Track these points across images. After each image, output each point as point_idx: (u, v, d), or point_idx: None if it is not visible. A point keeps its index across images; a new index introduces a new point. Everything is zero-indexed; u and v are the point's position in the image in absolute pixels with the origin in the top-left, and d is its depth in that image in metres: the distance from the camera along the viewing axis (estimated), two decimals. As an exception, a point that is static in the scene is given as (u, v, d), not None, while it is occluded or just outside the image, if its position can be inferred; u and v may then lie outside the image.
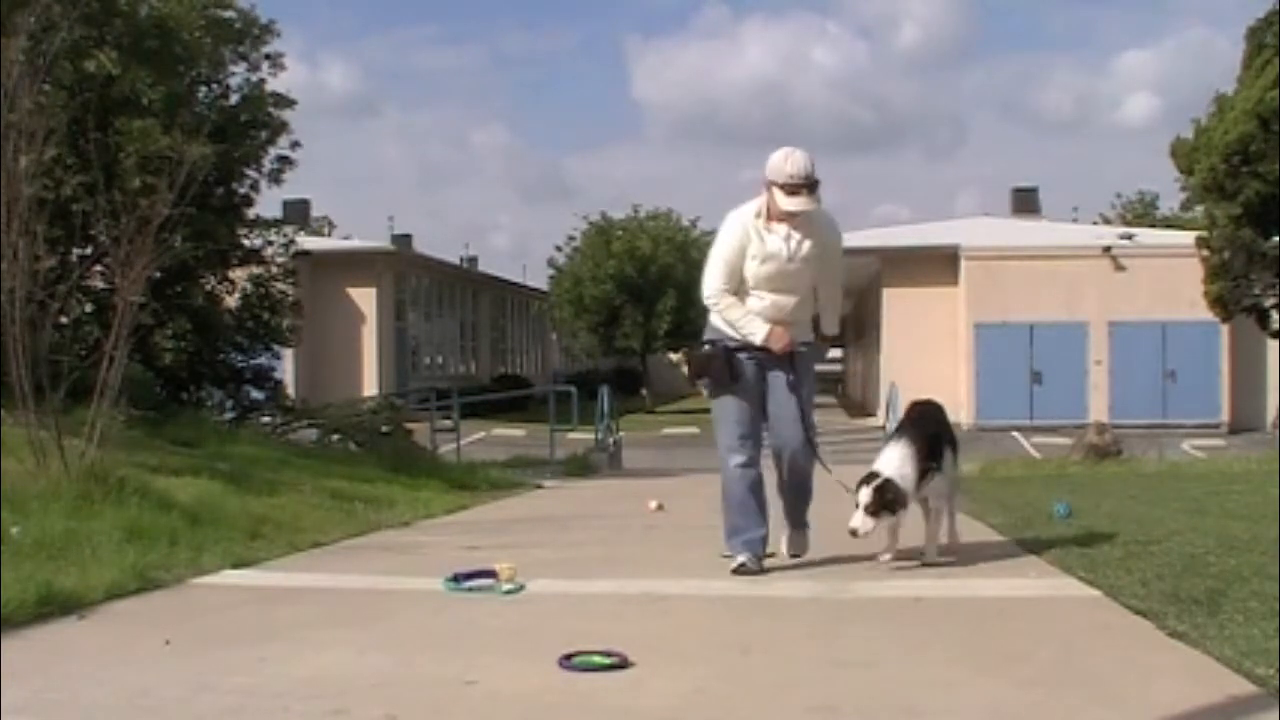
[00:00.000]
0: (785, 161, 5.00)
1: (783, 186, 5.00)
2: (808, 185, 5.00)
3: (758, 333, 5.14)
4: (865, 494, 4.97)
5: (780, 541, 5.42)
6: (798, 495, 5.37)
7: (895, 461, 5.09)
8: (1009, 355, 27.37)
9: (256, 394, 15.98)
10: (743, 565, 5.09)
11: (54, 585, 4.41)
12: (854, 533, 4.96)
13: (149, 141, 11.83)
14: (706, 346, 5.30)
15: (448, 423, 19.23)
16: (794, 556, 5.40)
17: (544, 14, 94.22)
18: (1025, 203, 38.73)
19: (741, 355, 5.20)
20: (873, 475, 5.03)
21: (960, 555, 5.41)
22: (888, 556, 5.22)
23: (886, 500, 4.97)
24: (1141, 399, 27.01)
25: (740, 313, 5.16)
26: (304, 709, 3.09)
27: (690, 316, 38.66)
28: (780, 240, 5.12)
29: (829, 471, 5.32)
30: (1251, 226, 19.92)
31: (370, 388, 27.78)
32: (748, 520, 5.21)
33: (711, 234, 5.83)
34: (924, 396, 5.69)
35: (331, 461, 11.73)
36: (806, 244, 5.13)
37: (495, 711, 3.12)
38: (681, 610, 4.46)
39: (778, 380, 5.22)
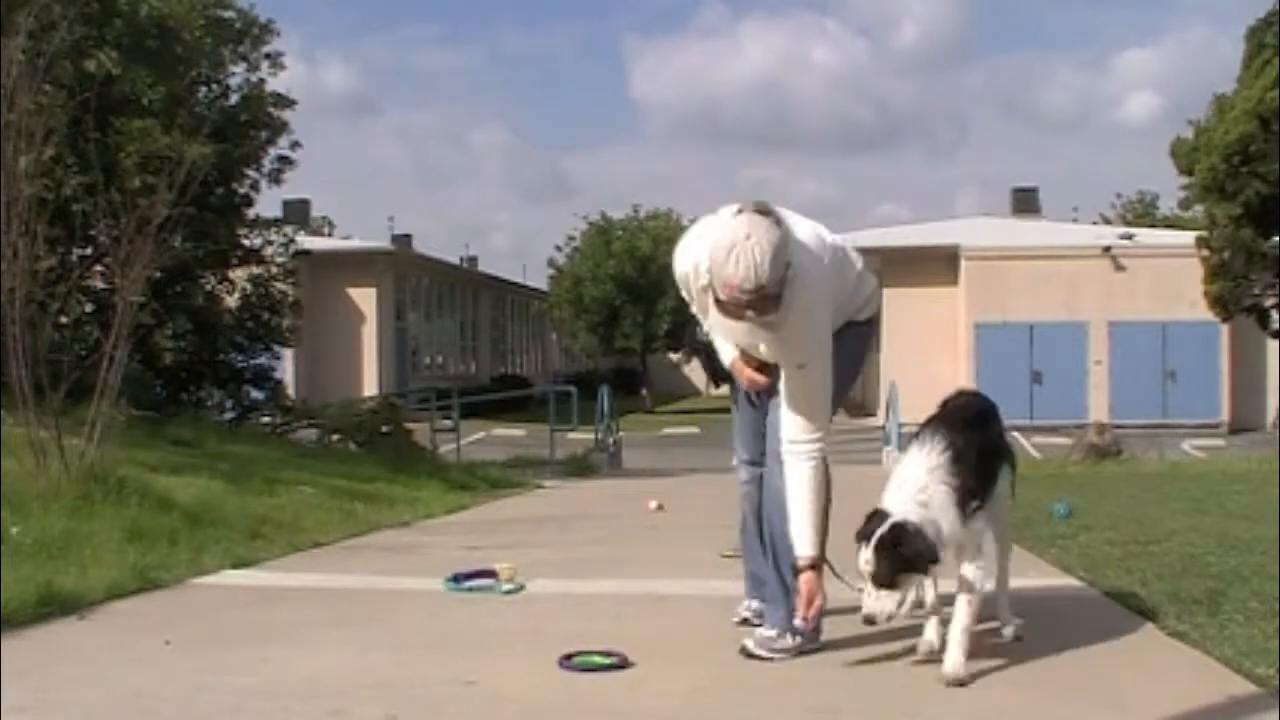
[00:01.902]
0: (728, 259, 3.22)
1: (719, 303, 3.33)
2: (757, 301, 3.26)
3: (725, 357, 3.84)
4: (865, 555, 3.26)
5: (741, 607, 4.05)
6: (772, 541, 3.73)
7: (913, 481, 3.32)
8: (1009, 355, 27.38)
9: (256, 394, 15.98)
10: (744, 620, 3.98)
11: (54, 585, 4.41)
12: (869, 620, 3.30)
13: (149, 141, 11.83)
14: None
15: (448, 423, 19.21)
16: (756, 654, 3.57)
17: (543, 14, 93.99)
18: (1025, 203, 38.71)
19: None
20: (876, 515, 3.30)
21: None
22: (927, 646, 3.51)
23: (902, 558, 3.23)
24: (1141, 399, 27.01)
25: (708, 324, 3.72)
26: (304, 709, 3.09)
27: (690, 316, 38.56)
28: (728, 325, 3.48)
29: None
30: (1251, 226, 19.95)
31: (370, 388, 27.75)
32: (754, 557, 3.98)
33: None
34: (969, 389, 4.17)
35: (331, 461, 11.73)
36: (765, 339, 3.53)
37: (495, 711, 3.12)
38: (681, 610, 4.46)
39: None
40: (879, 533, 3.23)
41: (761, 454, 3.83)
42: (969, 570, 3.35)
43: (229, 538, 6.12)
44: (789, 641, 3.60)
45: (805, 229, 3.57)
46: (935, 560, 3.25)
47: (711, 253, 3.30)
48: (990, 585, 3.55)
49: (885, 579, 3.23)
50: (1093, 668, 3.43)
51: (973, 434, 3.48)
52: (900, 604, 3.28)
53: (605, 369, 42.50)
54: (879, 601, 3.25)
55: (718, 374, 3.97)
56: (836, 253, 3.66)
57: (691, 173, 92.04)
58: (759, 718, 3.07)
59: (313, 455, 12.44)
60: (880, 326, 4.43)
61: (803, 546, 3.51)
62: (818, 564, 3.50)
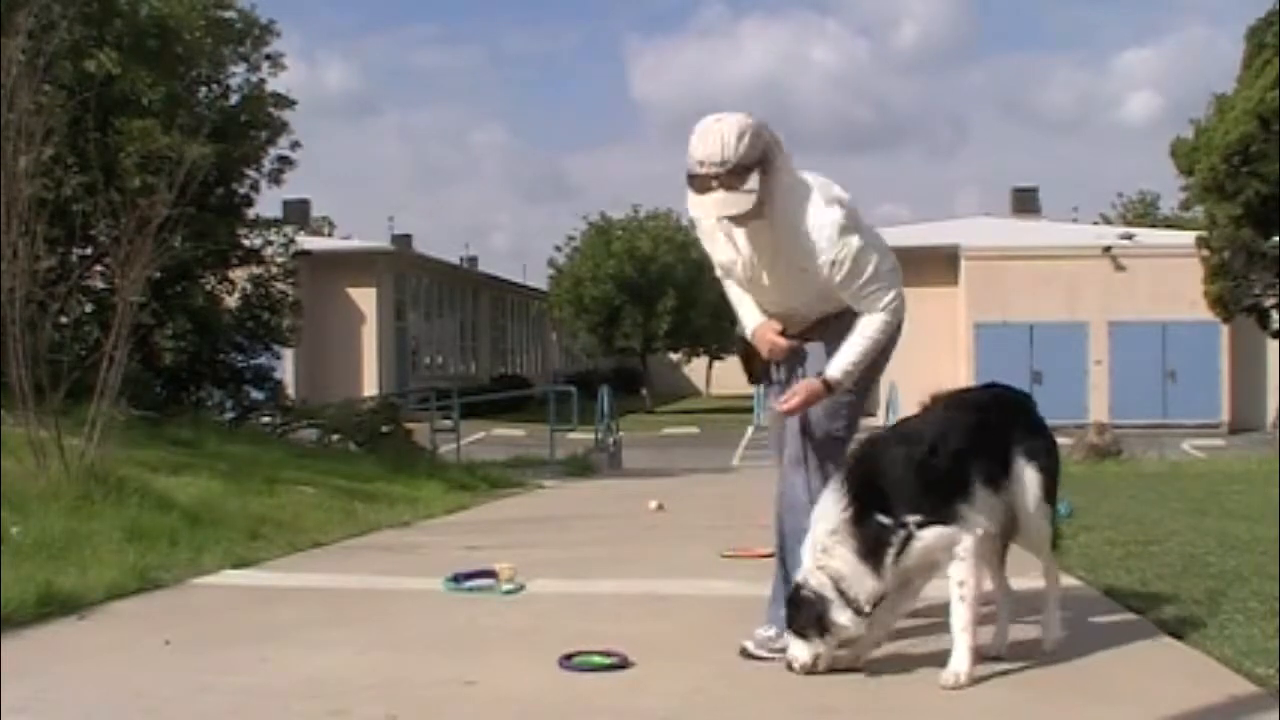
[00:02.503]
0: (699, 140, 3.37)
1: (689, 180, 3.41)
2: (723, 174, 3.33)
3: (747, 326, 3.77)
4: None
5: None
6: (781, 541, 3.69)
7: (818, 538, 3.30)
8: (1009, 355, 27.35)
9: (256, 394, 15.98)
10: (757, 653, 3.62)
11: (54, 585, 4.41)
12: (789, 665, 3.36)
13: (149, 141, 11.83)
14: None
15: (448, 423, 19.21)
16: (756, 655, 3.58)
17: (544, 14, 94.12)
18: (1025, 203, 38.70)
19: None
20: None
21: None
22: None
23: (808, 619, 3.28)
24: (1141, 399, 27.01)
25: (735, 294, 3.79)
26: (304, 709, 3.09)
27: (690, 317, 38.68)
28: (731, 249, 3.62)
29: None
30: (1251, 226, 19.95)
31: (370, 388, 27.77)
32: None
33: None
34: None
35: (331, 461, 11.73)
36: (763, 253, 3.54)
37: (495, 711, 3.12)
38: (681, 610, 4.46)
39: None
40: (790, 589, 3.35)
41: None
42: (954, 570, 3.26)
43: (229, 538, 6.12)
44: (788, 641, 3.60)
45: (819, 179, 3.60)
46: (825, 631, 3.25)
47: (690, 141, 3.40)
48: (988, 585, 3.45)
49: (797, 630, 3.32)
50: (1092, 668, 3.43)
51: (929, 430, 3.41)
52: (816, 657, 3.29)
53: (605, 369, 42.51)
54: (794, 647, 3.34)
55: (754, 373, 3.93)
56: (854, 206, 3.65)
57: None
58: (759, 718, 3.07)
59: (313, 455, 12.44)
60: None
61: (830, 367, 3.52)
62: (828, 383, 3.51)
